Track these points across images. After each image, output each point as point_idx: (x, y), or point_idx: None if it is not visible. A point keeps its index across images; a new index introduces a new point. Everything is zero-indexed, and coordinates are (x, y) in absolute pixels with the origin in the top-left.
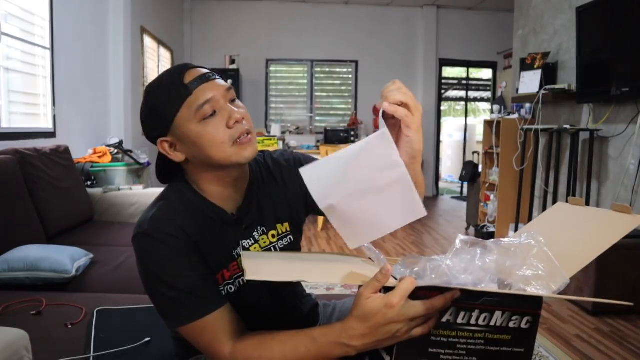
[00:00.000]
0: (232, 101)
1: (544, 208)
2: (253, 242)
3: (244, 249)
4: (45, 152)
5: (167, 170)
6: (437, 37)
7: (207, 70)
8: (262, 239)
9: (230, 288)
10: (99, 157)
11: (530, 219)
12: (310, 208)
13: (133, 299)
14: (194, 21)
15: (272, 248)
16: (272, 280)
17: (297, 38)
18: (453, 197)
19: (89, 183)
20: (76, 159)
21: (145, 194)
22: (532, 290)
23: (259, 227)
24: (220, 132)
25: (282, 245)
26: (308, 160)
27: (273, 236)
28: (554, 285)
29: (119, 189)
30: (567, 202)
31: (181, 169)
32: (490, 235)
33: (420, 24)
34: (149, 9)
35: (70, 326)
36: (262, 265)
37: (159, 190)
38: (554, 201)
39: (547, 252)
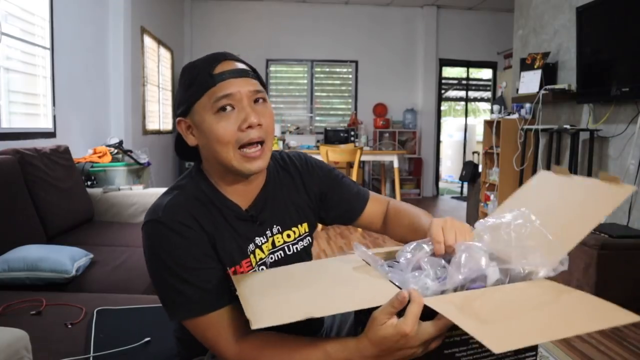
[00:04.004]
0: (258, 102)
1: None
2: (265, 240)
3: (257, 246)
4: (45, 152)
5: (185, 149)
6: (437, 37)
7: (242, 66)
8: (277, 237)
9: None
10: (99, 157)
11: None
12: (323, 215)
13: (133, 299)
14: (194, 21)
15: (286, 247)
16: (278, 324)
17: (297, 38)
18: (453, 197)
19: (89, 183)
20: (76, 159)
21: (145, 194)
22: (531, 267)
23: (273, 226)
24: (230, 130)
25: (302, 247)
26: (322, 166)
27: (288, 236)
28: (553, 261)
29: (119, 189)
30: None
31: (199, 156)
32: None
33: (420, 24)
34: (149, 9)
35: (70, 326)
36: (264, 308)
37: (159, 191)
38: None
39: (541, 229)
